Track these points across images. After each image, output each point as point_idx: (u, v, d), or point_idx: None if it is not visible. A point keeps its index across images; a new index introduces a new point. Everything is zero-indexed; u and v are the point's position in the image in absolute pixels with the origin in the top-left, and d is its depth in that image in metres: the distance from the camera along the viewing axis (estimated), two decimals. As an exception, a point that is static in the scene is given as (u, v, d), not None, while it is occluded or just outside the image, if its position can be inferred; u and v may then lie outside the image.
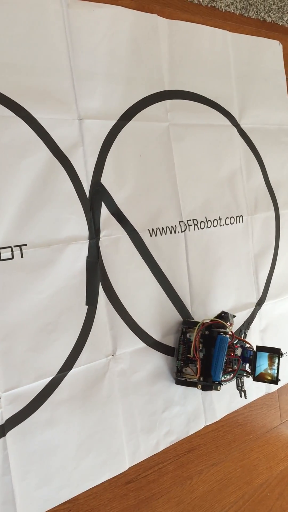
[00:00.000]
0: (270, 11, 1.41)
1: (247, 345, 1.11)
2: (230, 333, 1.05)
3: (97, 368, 0.97)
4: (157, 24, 1.12)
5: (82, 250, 0.96)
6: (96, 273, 0.98)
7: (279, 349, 1.05)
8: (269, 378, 1.05)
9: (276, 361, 1.05)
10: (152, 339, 1.08)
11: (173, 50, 1.14)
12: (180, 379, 1.09)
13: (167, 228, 1.12)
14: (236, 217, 1.27)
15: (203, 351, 1.04)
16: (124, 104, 1.05)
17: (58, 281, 0.93)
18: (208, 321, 1.06)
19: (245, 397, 1.12)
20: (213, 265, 1.22)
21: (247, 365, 1.08)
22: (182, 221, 1.15)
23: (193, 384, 1.05)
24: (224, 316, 1.17)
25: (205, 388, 1.03)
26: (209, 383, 1.02)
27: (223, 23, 1.27)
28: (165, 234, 1.12)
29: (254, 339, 1.30)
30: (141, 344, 1.05)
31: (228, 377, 1.06)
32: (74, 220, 0.95)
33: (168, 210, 1.12)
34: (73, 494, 0.93)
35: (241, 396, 1.12)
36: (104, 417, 0.98)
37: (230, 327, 1.09)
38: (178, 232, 1.14)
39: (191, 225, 1.17)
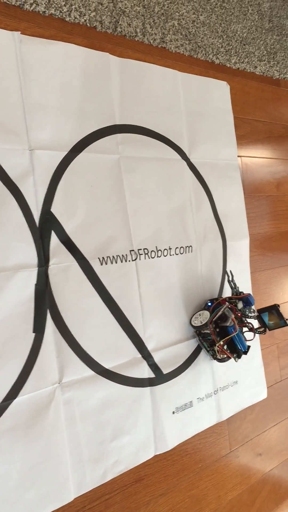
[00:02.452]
0: (218, 54, 1.49)
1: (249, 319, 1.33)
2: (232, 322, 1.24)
3: (43, 397, 0.96)
4: (109, 61, 1.17)
5: (30, 277, 0.97)
6: (44, 300, 0.98)
7: (275, 304, 1.36)
8: (278, 323, 1.35)
9: (276, 313, 1.35)
10: (102, 367, 1.08)
11: (124, 87, 1.19)
12: (219, 359, 1.28)
13: (118, 257, 1.14)
14: (186, 247, 1.31)
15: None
16: (75, 136, 1.08)
17: (5, 308, 0.93)
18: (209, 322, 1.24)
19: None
20: (164, 294, 1.24)
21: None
22: (133, 250, 1.17)
23: (228, 359, 1.29)
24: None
25: (239, 356, 1.27)
26: (240, 353, 1.27)
27: (173, 63, 1.34)
28: (116, 262, 1.14)
29: (204, 367, 1.32)
30: (90, 372, 1.05)
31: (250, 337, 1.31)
32: (23, 248, 0.96)
33: (118, 239, 1.15)
34: (16, 528, 0.91)
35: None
36: (49, 447, 0.96)
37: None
38: (129, 260, 1.16)
39: (141, 254, 1.19)
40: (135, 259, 1.18)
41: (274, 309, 1.35)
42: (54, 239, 1.02)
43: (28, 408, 0.94)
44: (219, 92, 1.49)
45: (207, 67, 1.46)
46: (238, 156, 1.53)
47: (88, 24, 1.13)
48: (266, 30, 1.70)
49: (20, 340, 0.94)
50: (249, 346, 1.28)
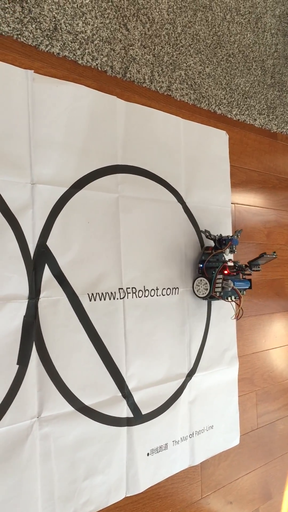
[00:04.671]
0: (220, 104, 1.55)
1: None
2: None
3: (20, 430, 0.95)
4: (116, 104, 1.21)
5: (20, 309, 0.97)
6: (31, 333, 0.99)
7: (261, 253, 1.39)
8: (269, 257, 1.39)
9: (264, 255, 1.38)
10: (82, 404, 1.08)
11: (128, 129, 1.23)
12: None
13: (107, 294, 1.15)
14: (172, 289, 1.33)
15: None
16: (77, 173, 1.11)
17: (-9, 337, 0.93)
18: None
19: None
20: (149, 333, 1.25)
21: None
22: (122, 288, 1.19)
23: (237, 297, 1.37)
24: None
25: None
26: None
27: (177, 110, 1.39)
28: (105, 299, 1.15)
29: (182, 410, 1.32)
30: (69, 408, 1.05)
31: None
32: (16, 279, 0.97)
33: (109, 277, 1.16)
34: None
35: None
36: (21, 482, 0.95)
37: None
38: (117, 298, 1.18)
39: (129, 292, 1.21)
40: (123, 297, 1.19)
41: (262, 255, 1.39)
42: (47, 272, 1.03)
43: (4, 442, 0.93)
44: (218, 140, 1.54)
45: (209, 116, 1.51)
46: (232, 203, 1.57)
47: (99, 68, 1.18)
48: (267, 85, 1.77)
49: (2, 371, 0.94)
50: (250, 281, 1.38)
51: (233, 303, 1.40)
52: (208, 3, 1.52)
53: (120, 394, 1.17)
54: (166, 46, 1.36)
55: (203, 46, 1.49)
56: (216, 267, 1.32)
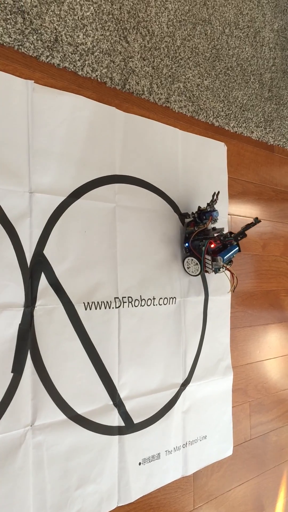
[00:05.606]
0: (218, 117, 1.57)
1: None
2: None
3: (13, 439, 0.96)
4: (115, 115, 1.22)
5: (16, 317, 0.98)
6: (26, 341, 0.99)
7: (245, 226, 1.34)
8: (251, 223, 1.33)
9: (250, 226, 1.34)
10: (74, 412, 1.08)
11: (126, 140, 1.24)
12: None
13: (103, 303, 1.16)
14: (170, 298, 1.34)
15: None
16: (75, 182, 1.12)
17: (-14, 347, 0.93)
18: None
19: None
20: (143, 343, 1.26)
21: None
22: (118, 298, 1.20)
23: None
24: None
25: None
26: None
27: (175, 122, 1.40)
28: (100, 308, 1.15)
29: (176, 419, 1.32)
30: (62, 417, 1.05)
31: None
32: (12, 287, 0.98)
33: (105, 286, 1.17)
34: None
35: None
36: (13, 491, 0.95)
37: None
38: (113, 307, 1.18)
39: (125, 302, 1.21)
40: (119, 306, 1.20)
41: (245, 228, 1.35)
42: (43, 281, 1.04)
43: (-3, 450, 0.93)
44: (216, 151, 1.55)
45: (206, 128, 1.53)
46: (228, 214, 1.58)
47: (99, 79, 1.19)
48: (265, 98, 1.79)
49: (-3, 379, 0.94)
50: (237, 244, 1.34)
51: (227, 273, 1.42)
52: (208, 17, 1.54)
53: (111, 402, 1.17)
54: (165, 59, 1.38)
55: (202, 59, 1.51)
56: (203, 245, 1.30)
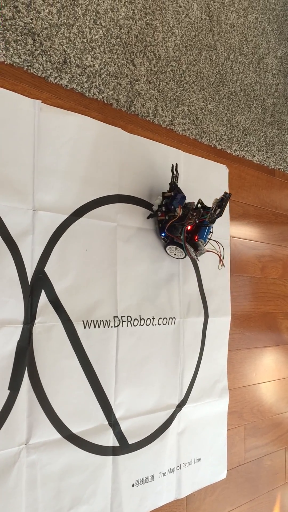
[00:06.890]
0: (221, 140, 1.59)
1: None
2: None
3: (7, 457, 0.95)
4: (119, 136, 1.24)
5: (14, 334, 0.98)
6: (24, 358, 0.99)
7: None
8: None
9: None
10: (69, 431, 1.08)
11: (130, 160, 1.26)
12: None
13: (101, 322, 1.16)
14: (169, 318, 1.34)
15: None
16: (78, 201, 1.13)
17: (-16, 362, 0.93)
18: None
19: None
20: (141, 362, 1.26)
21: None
22: (117, 317, 1.20)
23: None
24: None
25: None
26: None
27: (178, 144, 1.42)
28: (99, 327, 1.16)
29: (170, 441, 1.31)
30: (57, 436, 1.05)
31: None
32: (12, 303, 0.98)
33: (104, 304, 1.17)
34: None
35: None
36: (6, 510, 0.94)
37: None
38: (112, 326, 1.19)
39: (124, 321, 1.22)
40: (118, 325, 1.20)
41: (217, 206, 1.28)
42: (43, 298, 1.04)
43: (-9, 468, 0.93)
44: (218, 173, 1.57)
45: (209, 151, 1.55)
46: (230, 236, 1.59)
47: (105, 100, 1.21)
48: (267, 123, 1.82)
49: (-7, 396, 0.94)
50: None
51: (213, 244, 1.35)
52: (213, 42, 1.58)
53: (107, 422, 1.16)
54: (170, 82, 1.40)
55: (206, 84, 1.54)
56: (181, 234, 1.23)
